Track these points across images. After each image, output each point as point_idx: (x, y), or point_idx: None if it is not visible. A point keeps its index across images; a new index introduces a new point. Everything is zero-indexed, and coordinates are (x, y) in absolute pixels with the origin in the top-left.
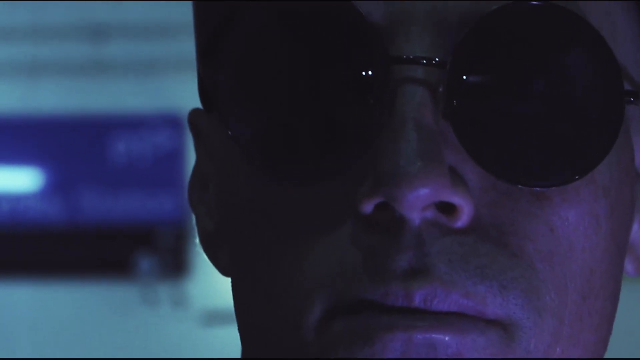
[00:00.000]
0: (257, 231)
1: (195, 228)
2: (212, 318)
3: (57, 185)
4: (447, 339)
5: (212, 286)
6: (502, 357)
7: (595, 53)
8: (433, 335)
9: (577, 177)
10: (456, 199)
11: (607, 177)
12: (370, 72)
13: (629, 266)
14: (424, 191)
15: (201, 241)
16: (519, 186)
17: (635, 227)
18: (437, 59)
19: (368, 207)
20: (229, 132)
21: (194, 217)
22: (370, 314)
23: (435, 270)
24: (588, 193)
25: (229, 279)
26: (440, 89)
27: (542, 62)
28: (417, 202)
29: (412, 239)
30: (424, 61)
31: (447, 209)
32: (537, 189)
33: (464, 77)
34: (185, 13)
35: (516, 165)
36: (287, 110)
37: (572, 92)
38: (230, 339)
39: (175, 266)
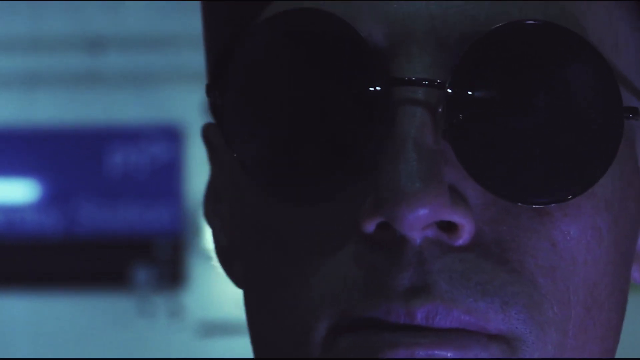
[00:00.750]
0: (264, 249)
1: (212, 241)
2: (209, 329)
3: (54, 197)
4: (449, 355)
5: (208, 297)
6: None
7: (593, 71)
8: (435, 352)
9: (576, 194)
10: (456, 217)
11: (609, 191)
12: (371, 94)
13: (636, 274)
14: (423, 211)
15: (217, 254)
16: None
17: None
18: (437, 80)
19: (369, 226)
20: (234, 153)
21: (195, 230)
22: (373, 332)
23: (436, 288)
24: (589, 207)
25: (225, 291)
26: (440, 109)
27: (540, 80)
28: (417, 222)
29: (413, 257)
30: (425, 82)
31: (448, 227)
32: (537, 206)
33: (463, 97)
34: (182, 25)
35: (515, 183)
36: (289, 131)
37: (571, 111)
38: (226, 350)
39: (171, 277)
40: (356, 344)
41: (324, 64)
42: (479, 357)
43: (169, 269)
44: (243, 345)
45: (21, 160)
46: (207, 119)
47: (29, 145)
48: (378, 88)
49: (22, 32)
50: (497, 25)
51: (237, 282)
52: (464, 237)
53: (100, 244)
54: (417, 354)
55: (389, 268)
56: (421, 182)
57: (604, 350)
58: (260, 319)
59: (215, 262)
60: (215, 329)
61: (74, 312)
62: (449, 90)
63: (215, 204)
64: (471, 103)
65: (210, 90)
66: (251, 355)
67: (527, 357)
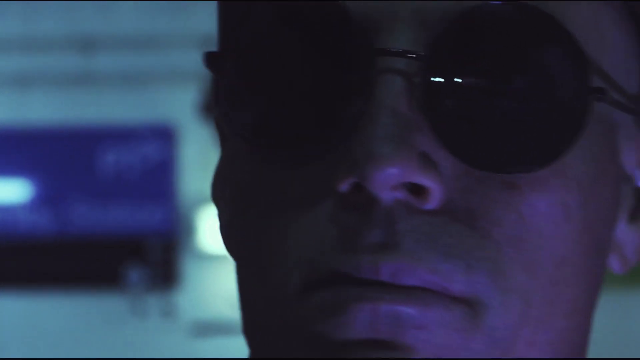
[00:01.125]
0: (251, 213)
1: (218, 222)
2: (201, 329)
3: (46, 197)
4: (412, 311)
5: (200, 297)
6: (466, 332)
7: (565, 52)
8: (398, 308)
9: (541, 166)
10: (425, 181)
11: (580, 172)
12: (354, 63)
13: (614, 263)
14: (392, 171)
15: (221, 234)
16: (489, 173)
17: (621, 226)
18: (417, 53)
19: (343, 186)
20: (228, 123)
21: (187, 230)
22: (342, 286)
23: (403, 247)
24: (559, 184)
25: (217, 291)
26: (418, 80)
27: (513, 58)
28: (386, 181)
29: (382, 217)
30: (404, 54)
31: (418, 191)
32: (506, 176)
33: (439, 70)
34: (174, 26)
35: (484, 153)
36: (277, 98)
37: (541, 87)
38: (219, 350)
39: (164, 278)
40: (326, 299)
41: (312, 37)
42: (442, 315)
43: (162, 269)
44: (236, 345)
45: (13, 161)
46: (199, 118)
47: (21, 145)
48: (361, 58)
49: (14, 33)
50: (475, 5)
51: (233, 256)
52: (432, 201)
53: (92, 244)
54: (381, 309)
55: (360, 226)
56: (392, 145)
57: (572, 328)
58: (245, 278)
59: (209, 261)
60: (208, 328)
61: (67, 312)
62: (427, 63)
63: (222, 188)
64: (446, 75)
65: (209, 59)
66: (244, 355)
67: (489, 321)
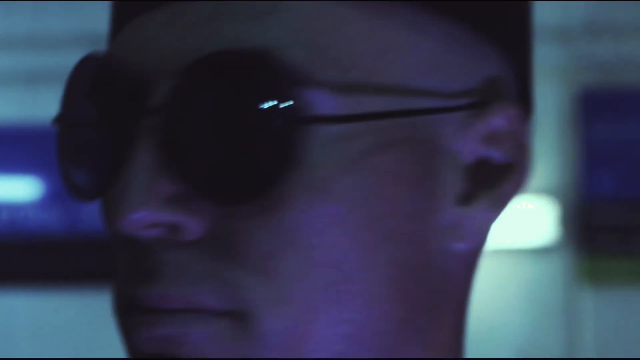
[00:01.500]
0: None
1: None
2: None
3: (56, 195)
4: (177, 332)
5: None
6: (237, 341)
7: (274, 86)
8: (166, 330)
9: (265, 193)
10: (172, 218)
11: (340, 184)
12: (120, 121)
13: (458, 245)
14: (138, 216)
15: None
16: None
17: (451, 211)
18: (158, 107)
19: (112, 231)
20: (60, 176)
21: None
22: (130, 314)
23: (164, 276)
24: (307, 200)
25: None
26: (164, 132)
27: (233, 99)
28: (136, 224)
29: (145, 252)
30: (152, 110)
31: (175, 227)
32: (242, 204)
33: (177, 119)
34: None
35: (221, 188)
36: (80, 156)
37: (252, 122)
38: None
39: None
40: (126, 323)
41: (100, 99)
42: (210, 332)
43: None
44: None
45: (24, 159)
46: None
47: (31, 143)
48: (124, 117)
49: (23, 30)
50: (195, 58)
51: None
52: (188, 234)
53: (103, 242)
54: (155, 333)
55: (131, 262)
56: (138, 194)
57: (376, 318)
58: None
59: None
60: None
61: (76, 310)
62: (166, 115)
63: None
64: (183, 123)
65: (53, 121)
66: None
67: (260, 328)
